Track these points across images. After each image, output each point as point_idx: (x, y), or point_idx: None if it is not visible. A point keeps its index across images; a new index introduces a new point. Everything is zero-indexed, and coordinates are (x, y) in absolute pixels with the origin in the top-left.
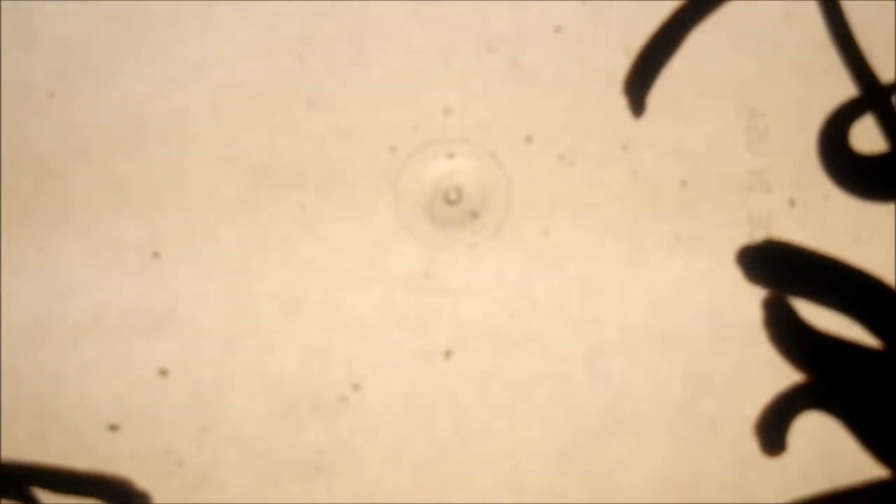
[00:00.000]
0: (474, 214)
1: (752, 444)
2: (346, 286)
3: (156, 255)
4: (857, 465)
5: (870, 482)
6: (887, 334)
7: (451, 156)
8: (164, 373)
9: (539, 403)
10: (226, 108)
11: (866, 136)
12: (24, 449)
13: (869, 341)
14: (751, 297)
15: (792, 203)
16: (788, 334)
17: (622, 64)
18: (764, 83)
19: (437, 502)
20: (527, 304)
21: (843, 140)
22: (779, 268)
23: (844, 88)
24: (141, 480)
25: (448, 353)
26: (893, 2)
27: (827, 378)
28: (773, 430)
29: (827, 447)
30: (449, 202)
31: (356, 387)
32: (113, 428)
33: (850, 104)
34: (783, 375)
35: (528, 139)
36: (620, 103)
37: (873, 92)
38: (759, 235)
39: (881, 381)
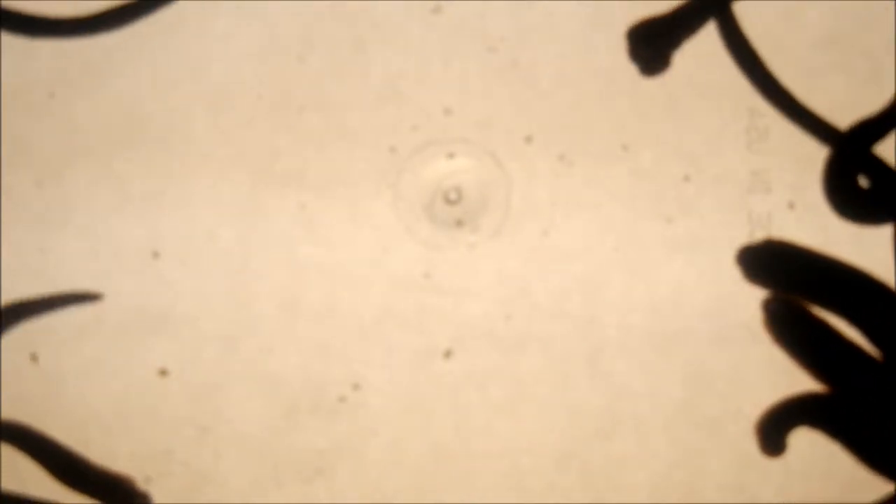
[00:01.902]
0: (474, 214)
1: (752, 444)
2: (346, 286)
3: (156, 255)
4: (856, 465)
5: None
6: (885, 338)
7: (450, 156)
8: (164, 373)
9: (539, 403)
10: (226, 108)
11: None
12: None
13: (867, 347)
14: (751, 297)
15: (792, 203)
16: (792, 332)
17: (622, 64)
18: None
19: (437, 502)
20: (527, 304)
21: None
22: (779, 268)
23: (845, 88)
24: (141, 480)
25: (448, 353)
26: (893, 2)
27: (830, 379)
28: (773, 433)
29: (827, 447)
30: (449, 202)
31: (356, 387)
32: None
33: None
34: (783, 375)
35: (528, 139)
36: (620, 103)
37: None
38: (759, 235)
39: (878, 388)
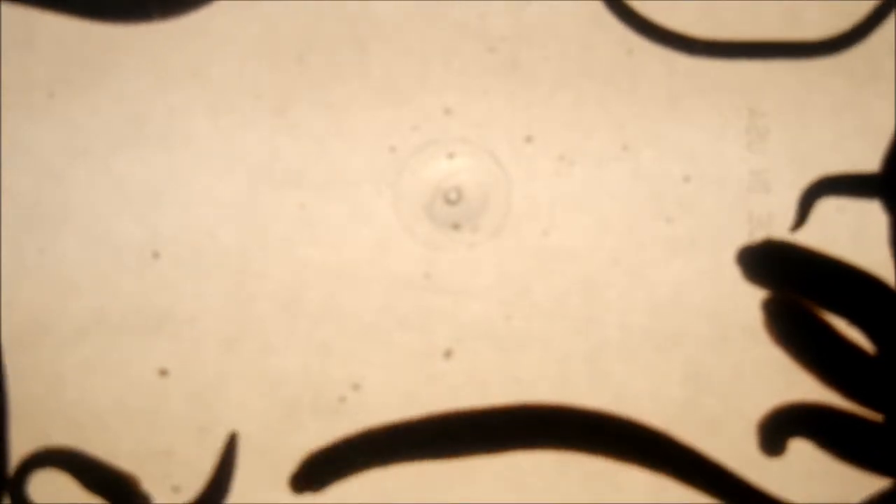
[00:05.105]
0: (474, 214)
1: (752, 444)
2: (346, 286)
3: (156, 255)
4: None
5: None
6: (884, 336)
7: (451, 156)
8: (163, 373)
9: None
10: (226, 108)
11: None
12: (24, 449)
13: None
14: (751, 297)
15: (792, 203)
16: (792, 332)
17: (621, 64)
18: (764, 83)
19: (438, 502)
20: (527, 304)
21: None
22: (778, 268)
23: (845, 88)
24: (141, 480)
25: (448, 353)
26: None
27: (830, 379)
28: (774, 435)
29: None
30: (449, 202)
31: (356, 387)
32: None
33: None
34: (783, 375)
35: (528, 139)
36: (620, 103)
37: None
38: (758, 235)
39: (877, 387)
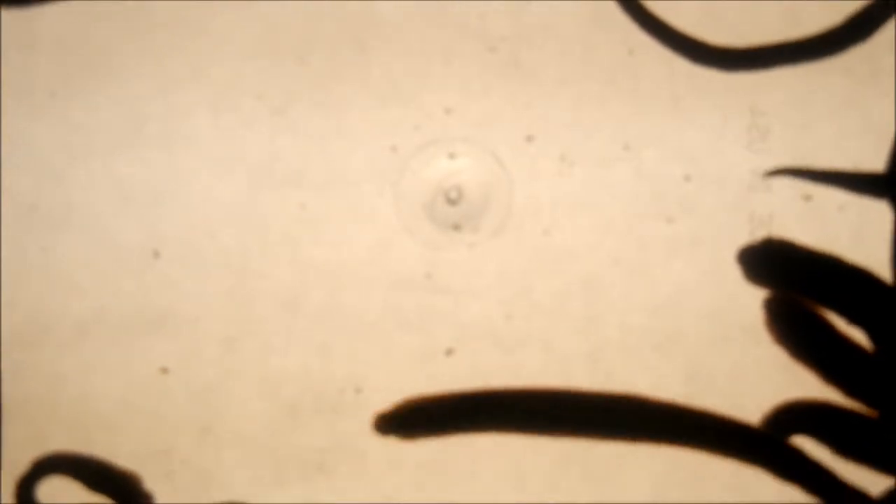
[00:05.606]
0: (475, 214)
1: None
2: (346, 286)
3: (156, 255)
4: (856, 465)
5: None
6: (885, 335)
7: (451, 155)
8: (164, 372)
9: None
10: (226, 108)
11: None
12: (25, 448)
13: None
14: (751, 297)
15: (793, 202)
16: (793, 331)
17: (622, 64)
18: (765, 82)
19: (437, 502)
20: (527, 304)
21: None
22: (780, 267)
23: (846, 87)
24: (142, 480)
25: (449, 353)
26: (893, 3)
27: (831, 378)
28: (774, 434)
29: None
30: (449, 202)
31: (357, 387)
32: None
33: None
34: (783, 375)
35: (529, 139)
36: (621, 103)
37: None
38: (759, 235)
39: (877, 386)
